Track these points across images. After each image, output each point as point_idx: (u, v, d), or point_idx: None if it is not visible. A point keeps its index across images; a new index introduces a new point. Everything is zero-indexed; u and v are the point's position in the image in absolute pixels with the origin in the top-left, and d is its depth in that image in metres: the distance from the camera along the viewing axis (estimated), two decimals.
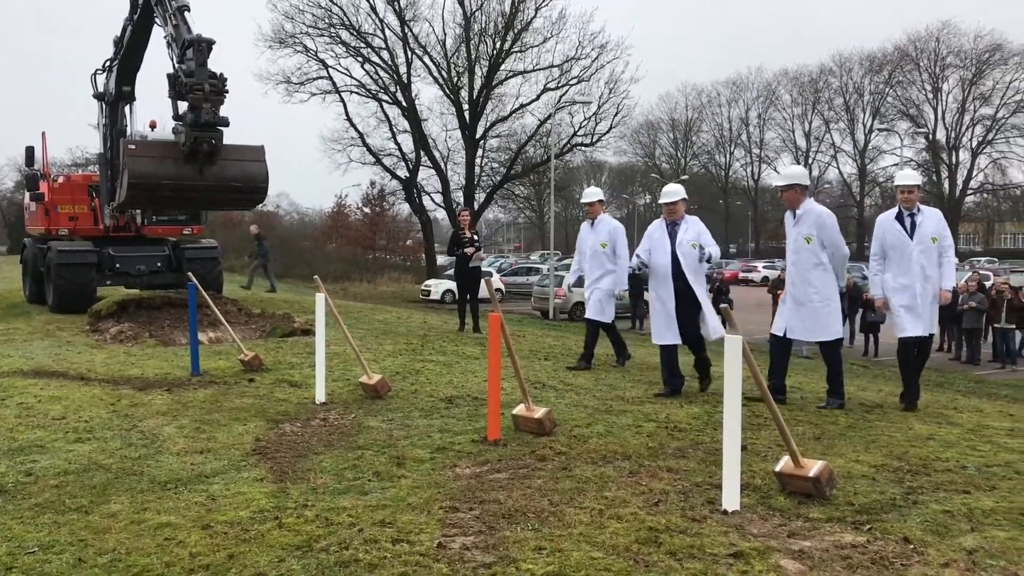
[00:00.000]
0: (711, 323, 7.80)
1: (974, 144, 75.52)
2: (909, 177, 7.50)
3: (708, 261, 7.85)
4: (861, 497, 4.53)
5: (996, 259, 62.54)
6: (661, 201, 8.06)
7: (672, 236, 7.87)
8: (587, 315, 9.83)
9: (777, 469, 4.64)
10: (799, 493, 4.51)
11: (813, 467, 4.49)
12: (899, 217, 7.36)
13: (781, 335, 7.62)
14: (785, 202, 7.60)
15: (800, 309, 7.49)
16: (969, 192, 77.81)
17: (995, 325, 19.19)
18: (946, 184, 76.10)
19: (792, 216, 7.54)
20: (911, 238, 7.27)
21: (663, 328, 7.92)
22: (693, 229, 7.89)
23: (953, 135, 75.70)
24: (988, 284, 21.92)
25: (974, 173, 76.44)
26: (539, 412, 6.13)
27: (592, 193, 10.09)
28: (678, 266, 7.78)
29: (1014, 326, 19.07)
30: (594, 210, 9.86)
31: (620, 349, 10.24)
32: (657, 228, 8.02)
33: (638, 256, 8.10)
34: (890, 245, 7.40)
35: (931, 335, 7.58)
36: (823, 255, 7.36)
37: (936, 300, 7.32)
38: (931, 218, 7.35)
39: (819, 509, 4.33)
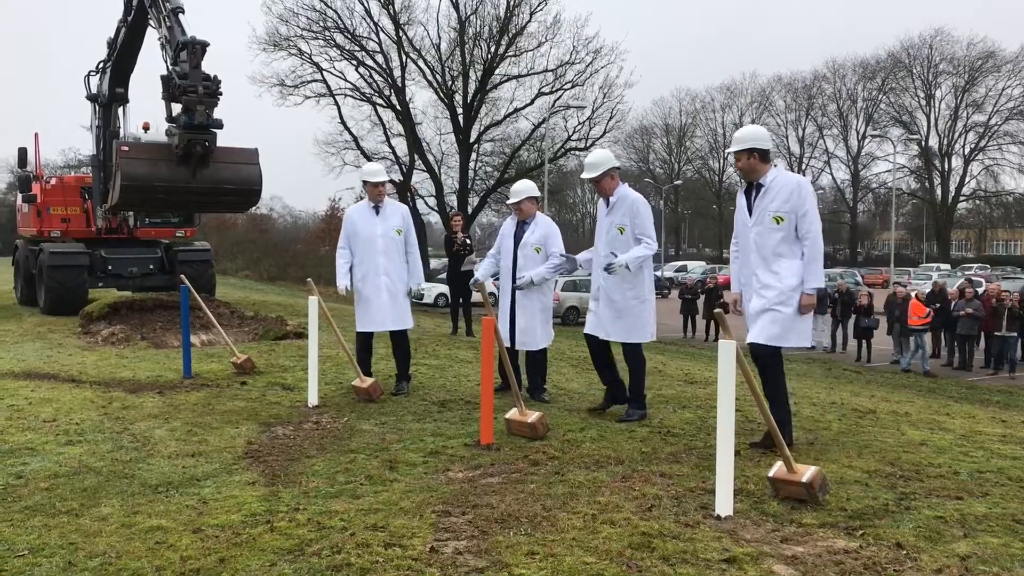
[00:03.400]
0: (537, 334, 7.47)
1: (967, 151, 76.05)
2: (738, 140, 5.72)
3: (565, 271, 7.46)
4: (854, 503, 4.53)
5: (988, 266, 62.74)
6: (509, 201, 7.66)
7: (518, 237, 7.54)
8: (389, 327, 7.99)
9: (770, 474, 4.63)
10: (792, 498, 4.51)
11: (806, 472, 4.49)
12: (748, 190, 5.81)
13: (595, 336, 6.84)
14: (598, 191, 6.95)
15: (613, 306, 6.72)
16: (961, 199, 78.27)
17: (996, 333, 18.95)
18: (939, 191, 76.47)
19: (605, 204, 6.87)
20: (751, 216, 5.76)
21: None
22: (540, 232, 7.51)
23: (946, 142, 76.16)
24: (981, 290, 21.86)
25: (966, 180, 77.02)
26: (532, 416, 6.12)
27: (375, 172, 8.05)
28: (516, 268, 7.48)
29: (1016, 334, 18.83)
30: (379, 192, 7.98)
31: (403, 370, 8.17)
32: (507, 227, 7.70)
33: (491, 257, 7.77)
34: (737, 227, 5.95)
35: (776, 347, 5.63)
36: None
37: (786, 302, 5.56)
38: (780, 190, 5.60)
39: (812, 515, 4.32)
